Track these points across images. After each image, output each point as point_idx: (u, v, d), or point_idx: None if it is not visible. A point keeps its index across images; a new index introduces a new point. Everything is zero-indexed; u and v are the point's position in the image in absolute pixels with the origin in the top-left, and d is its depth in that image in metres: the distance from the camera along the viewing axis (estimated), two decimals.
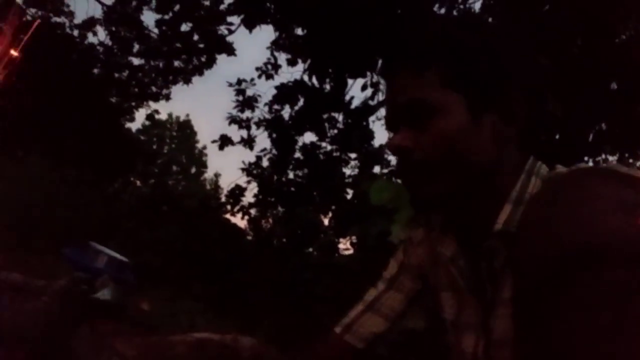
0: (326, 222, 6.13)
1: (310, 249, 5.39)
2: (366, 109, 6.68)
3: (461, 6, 5.10)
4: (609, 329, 0.46)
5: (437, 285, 0.86)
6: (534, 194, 0.69)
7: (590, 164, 0.71)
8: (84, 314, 0.94)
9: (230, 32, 7.71)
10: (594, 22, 3.29)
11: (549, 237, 0.54)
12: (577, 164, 0.68)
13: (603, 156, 3.98)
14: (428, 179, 0.72)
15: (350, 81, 6.03)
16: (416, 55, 0.74)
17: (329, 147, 7.15)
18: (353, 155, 7.06)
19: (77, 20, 9.13)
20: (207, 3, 7.62)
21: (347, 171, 7.24)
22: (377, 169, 6.76)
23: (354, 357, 0.94)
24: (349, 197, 5.55)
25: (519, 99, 0.73)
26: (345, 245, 4.62)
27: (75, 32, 9.00)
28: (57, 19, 9.00)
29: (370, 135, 6.83)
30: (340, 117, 7.03)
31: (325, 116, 6.99)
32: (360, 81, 6.16)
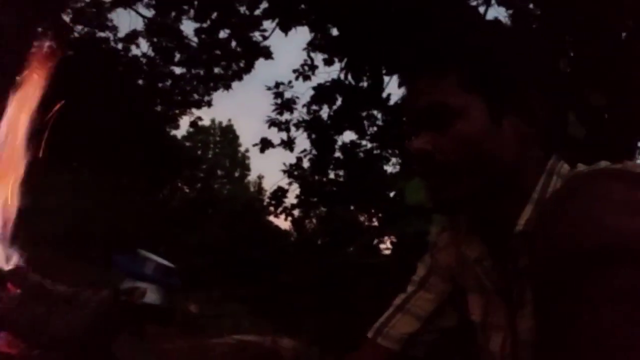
0: (367, 221, 6.12)
1: (352, 249, 5.39)
2: None
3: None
4: (621, 328, 0.46)
5: (464, 287, 0.86)
6: (551, 194, 0.69)
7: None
8: (125, 322, 0.99)
9: (265, 38, 7.81)
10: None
11: (561, 237, 0.54)
12: (597, 163, 0.68)
13: None
14: (450, 181, 0.72)
15: (386, 78, 5.99)
16: (435, 59, 0.75)
17: (369, 145, 7.14)
18: (394, 152, 7.02)
19: (121, 33, 9.45)
20: (243, 9, 7.75)
21: (389, 168, 7.21)
22: None
23: (387, 359, 0.94)
24: (390, 195, 5.51)
25: (539, 100, 0.73)
26: (386, 245, 4.62)
27: (119, 45, 9.39)
28: (102, 34, 9.41)
29: None
30: (379, 115, 7.01)
31: (364, 114, 6.98)
32: (396, 78, 6.10)
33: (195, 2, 7.93)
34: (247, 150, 29.09)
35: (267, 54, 8.28)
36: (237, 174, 28.72)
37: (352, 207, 6.24)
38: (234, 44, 8.27)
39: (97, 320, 0.95)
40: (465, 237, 0.83)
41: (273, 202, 7.32)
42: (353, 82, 6.08)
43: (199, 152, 23.54)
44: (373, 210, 5.81)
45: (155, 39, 9.02)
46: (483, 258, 0.79)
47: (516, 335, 0.72)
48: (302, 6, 6.42)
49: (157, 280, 1.76)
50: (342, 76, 6.55)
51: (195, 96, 10.07)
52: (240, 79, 9.19)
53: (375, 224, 5.57)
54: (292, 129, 7.27)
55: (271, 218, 8.03)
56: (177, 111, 11.48)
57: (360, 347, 0.98)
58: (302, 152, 7.27)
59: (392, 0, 4.40)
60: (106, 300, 0.98)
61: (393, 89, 6.67)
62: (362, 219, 6.14)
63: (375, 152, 7.13)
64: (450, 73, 0.72)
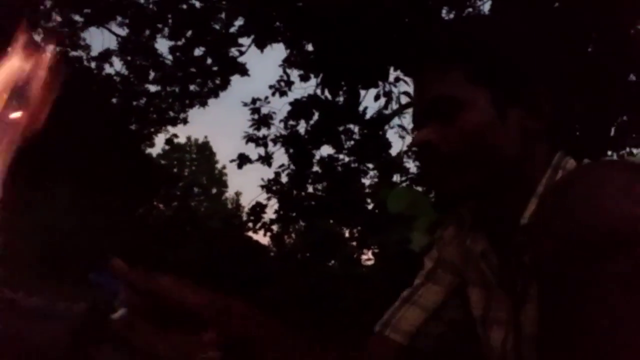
0: (347, 233, 6.12)
1: (332, 262, 5.38)
2: (381, 119, 6.69)
3: (469, 9, 5.12)
4: (625, 315, 0.47)
5: (467, 281, 0.86)
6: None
7: (615, 157, 0.71)
8: (104, 334, 0.98)
9: (241, 53, 7.84)
10: (607, 14, 3.26)
11: (563, 225, 0.54)
12: (602, 159, 0.69)
13: (627, 149, 3.91)
14: (454, 173, 0.73)
15: (362, 92, 6.07)
16: (441, 52, 0.76)
17: (346, 159, 7.19)
18: (371, 166, 7.07)
19: (94, 52, 9.35)
20: (218, 27, 7.77)
21: (367, 181, 7.25)
22: (396, 178, 6.74)
23: (396, 352, 0.90)
24: (369, 207, 5.54)
25: (545, 94, 0.74)
26: (367, 256, 4.62)
27: (93, 64, 9.28)
28: (75, 53, 9.30)
29: (387, 144, 6.83)
30: (356, 129, 7.07)
31: (341, 128, 7.03)
32: (372, 92, 6.19)
33: (170, 21, 7.93)
34: (224, 167, 28.92)
35: (243, 70, 8.29)
36: (214, 191, 28.45)
37: (331, 221, 6.24)
38: (209, 61, 8.27)
39: (75, 331, 0.93)
40: (470, 232, 0.83)
41: (252, 217, 7.28)
42: (329, 97, 6.15)
43: (175, 170, 23.28)
44: (353, 223, 5.82)
45: (129, 58, 8.95)
46: (487, 252, 0.79)
47: (519, 330, 0.72)
48: (278, 23, 6.49)
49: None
50: (318, 91, 6.62)
51: (171, 113, 10.00)
52: (216, 95, 9.17)
53: (356, 235, 5.58)
54: (270, 144, 7.29)
55: (250, 233, 7.96)
56: (152, 129, 11.36)
57: (368, 341, 0.93)
58: (280, 167, 7.28)
59: (365, 13, 4.47)
60: (83, 312, 0.97)
61: (369, 103, 6.75)
62: (342, 231, 6.14)
63: (352, 165, 7.18)
64: (458, 66, 0.73)
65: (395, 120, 6.79)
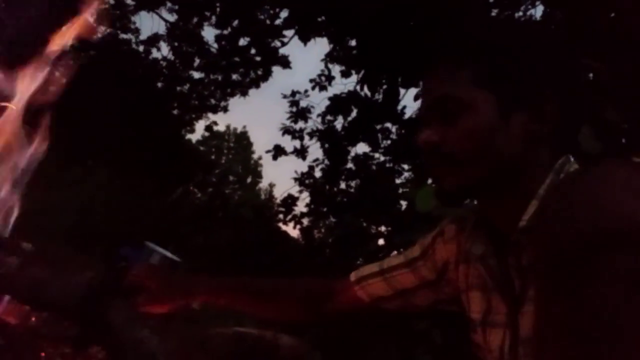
0: (375, 231, 6.08)
1: (360, 261, 5.37)
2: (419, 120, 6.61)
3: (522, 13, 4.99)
4: (625, 311, 0.46)
5: (467, 284, 0.87)
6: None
7: None
8: (122, 289, 1.02)
9: (283, 44, 7.89)
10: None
11: (564, 220, 0.54)
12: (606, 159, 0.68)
13: None
14: (452, 171, 0.75)
15: (402, 91, 6.01)
16: (451, 54, 0.78)
17: (382, 158, 7.15)
18: (406, 167, 7.01)
19: (142, 36, 9.60)
20: (264, 18, 7.85)
21: (400, 182, 7.19)
22: (430, 181, 6.65)
23: (359, 304, 1.05)
24: (400, 208, 5.50)
25: (551, 99, 0.74)
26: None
27: (141, 48, 9.52)
28: (124, 36, 9.56)
29: None
30: (393, 128, 7.02)
31: (378, 127, 6.99)
32: (413, 91, 6.12)
33: (218, 9, 8.06)
34: (260, 158, 29.26)
35: (285, 62, 8.36)
36: (249, 181, 28.84)
37: (361, 219, 6.22)
38: (253, 51, 8.37)
39: (93, 286, 0.97)
40: (471, 235, 0.84)
41: (283, 209, 7.34)
42: (369, 94, 6.12)
43: (213, 157, 23.71)
44: (382, 221, 5.79)
45: (176, 43, 9.15)
46: (487, 256, 0.80)
47: (517, 333, 0.73)
48: (322, 18, 6.49)
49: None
50: (358, 88, 6.59)
51: (212, 101, 10.17)
52: (257, 86, 9.28)
53: (385, 233, 5.54)
54: (306, 137, 7.32)
55: (280, 225, 8.03)
56: (193, 115, 11.60)
57: (342, 283, 1.09)
58: (314, 161, 7.30)
59: (412, 12, 4.44)
60: (102, 267, 1.01)
61: (409, 102, 6.71)
62: (370, 229, 6.12)
63: (387, 165, 7.13)
64: (465, 68, 0.74)
65: None
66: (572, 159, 0.75)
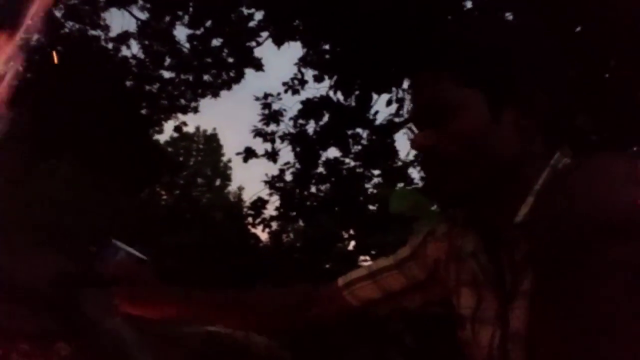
0: (346, 235, 6.10)
1: (328, 266, 5.37)
2: (391, 126, 6.69)
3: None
4: (623, 301, 0.47)
5: (457, 281, 0.86)
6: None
7: None
8: (94, 276, 0.99)
9: (258, 43, 7.84)
10: (629, 46, 3.24)
11: (564, 211, 0.55)
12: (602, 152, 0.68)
13: None
14: (452, 175, 0.74)
15: (375, 96, 6.07)
16: (433, 56, 0.77)
17: (352, 163, 7.18)
18: (376, 172, 7.06)
19: (112, 33, 9.38)
20: (237, 19, 7.79)
21: (370, 188, 7.23)
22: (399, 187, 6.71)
23: (348, 310, 1.02)
24: (371, 210, 5.53)
25: (539, 93, 0.75)
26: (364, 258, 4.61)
27: (110, 45, 9.31)
28: (94, 32, 9.33)
29: (394, 152, 6.83)
30: (364, 134, 7.07)
31: (349, 132, 7.03)
32: (385, 96, 6.19)
33: (191, 9, 7.97)
34: (229, 161, 28.96)
35: (258, 65, 8.31)
36: (217, 183, 28.50)
37: (332, 222, 6.22)
38: (225, 53, 8.29)
39: (64, 271, 0.94)
40: (461, 231, 0.84)
41: (252, 212, 7.28)
42: (342, 99, 6.15)
43: (181, 159, 23.33)
44: (352, 224, 5.81)
45: (146, 42, 8.98)
46: (478, 251, 0.79)
47: (507, 329, 0.72)
48: (297, 21, 6.50)
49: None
50: (330, 93, 6.62)
51: (182, 101, 10.02)
52: (229, 88, 9.19)
53: (354, 235, 5.57)
54: (277, 140, 7.29)
55: (249, 228, 7.96)
56: (162, 116, 11.38)
57: (328, 289, 1.05)
58: (285, 164, 7.27)
59: (390, 17, 4.47)
60: (77, 251, 0.97)
61: (381, 107, 6.77)
62: (341, 232, 6.13)
63: (358, 170, 7.17)
64: (450, 69, 0.74)
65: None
66: (567, 152, 0.75)
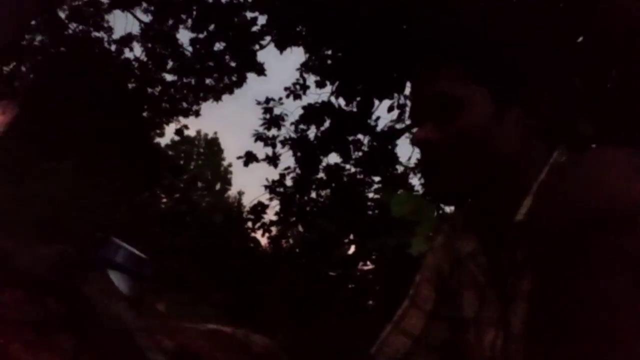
0: (346, 239, 6.08)
1: (330, 272, 5.36)
2: (392, 133, 6.69)
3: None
4: (627, 293, 0.46)
5: (458, 284, 0.84)
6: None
7: None
8: (95, 263, 0.99)
9: (262, 47, 7.86)
10: (631, 57, 3.24)
11: (567, 203, 0.54)
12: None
13: None
14: (453, 172, 0.72)
15: (376, 102, 6.07)
16: (441, 49, 0.75)
17: (353, 169, 7.18)
18: (377, 179, 7.06)
19: (115, 35, 9.41)
20: (240, 23, 7.81)
21: (371, 194, 7.22)
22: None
23: None
24: (371, 215, 5.52)
25: (543, 92, 0.73)
26: (365, 263, 4.59)
27: (113, 47, 9.33)
28: (97, 34, 9.36)
29: (394, 159, 6.83)
30: (365, 140, 7.08)
31: (350, 138, 7.04)
32: (387, 103, 6.21)
33: (194, 13, 8.00)
34: (230, 165, 28.98)
35: (260, 69, 8.34)
36: (217, 187, 28.49)
37: (333, 225, 6.21)
38: (228, 57, 8.32)
39: (65, 256, 0.94)
40: (461, 233, 0.82)
41: (252, 216, 7.27)
42: (343, 105, 6.16)
43: (182, 162, 23.33)
44: (352, 228, 5.81)
45: (149, 44, 9.01)
46: (477, 253, 0.78)
47: (508, 329, 0.71)
48: (299, 27, 6.52)
49: (128, 269, 1.74)
50: (332, 99, 6.64)
51: (184, 104, 10.03)
52: (231, 92, 9.21)
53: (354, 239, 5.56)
54: (278, 145, 7.30)
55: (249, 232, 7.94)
56: (163, 118, 11.39)
57: None
58: (285, 169, 7.28)
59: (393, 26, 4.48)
60: (79, 240, 0.97)
61: (382, 113, 6.79)
62: (341, 236, 6.12)
63: (358, 176, 7.17)
64: (456, 63, 0.72)
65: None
66: (565, 152, 0.74)
